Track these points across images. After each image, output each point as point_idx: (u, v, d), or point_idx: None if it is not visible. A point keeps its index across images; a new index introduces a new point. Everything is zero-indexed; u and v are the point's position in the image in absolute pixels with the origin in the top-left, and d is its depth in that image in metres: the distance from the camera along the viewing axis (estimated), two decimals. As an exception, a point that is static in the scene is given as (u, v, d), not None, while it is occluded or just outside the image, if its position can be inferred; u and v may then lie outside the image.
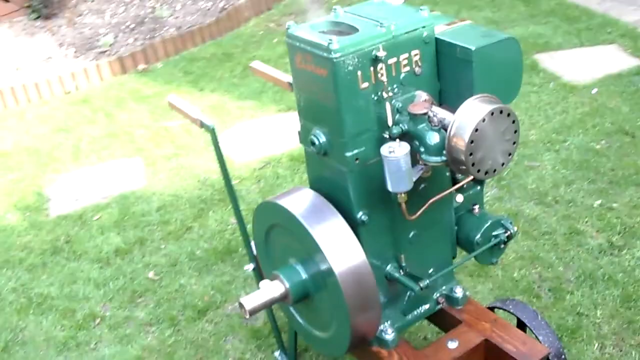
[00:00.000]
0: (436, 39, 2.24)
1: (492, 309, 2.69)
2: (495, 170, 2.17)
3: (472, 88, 2.21)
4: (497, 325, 2.53)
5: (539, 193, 3.78)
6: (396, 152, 2.13)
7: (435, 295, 2.61)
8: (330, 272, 2.22)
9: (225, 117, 5.19)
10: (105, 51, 6.23)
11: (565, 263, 3.32)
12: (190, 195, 4.32)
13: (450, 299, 2.63)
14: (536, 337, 2.52)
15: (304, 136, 2.37)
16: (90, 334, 3.48)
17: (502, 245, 2.59)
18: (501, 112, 2.09)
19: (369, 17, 2.23)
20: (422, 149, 2.19)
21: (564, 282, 3.23)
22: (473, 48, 2.17)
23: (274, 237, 2.51)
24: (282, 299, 2.39)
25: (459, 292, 2.62)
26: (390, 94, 2.21)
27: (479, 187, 2.65)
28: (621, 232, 3.44)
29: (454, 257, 2.65)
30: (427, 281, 2.40)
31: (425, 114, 2.17)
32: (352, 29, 2.20)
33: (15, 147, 5.27)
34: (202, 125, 2.59)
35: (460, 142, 2.07)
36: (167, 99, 2.81)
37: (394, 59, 2.19)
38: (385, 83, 2.18)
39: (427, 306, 2.60)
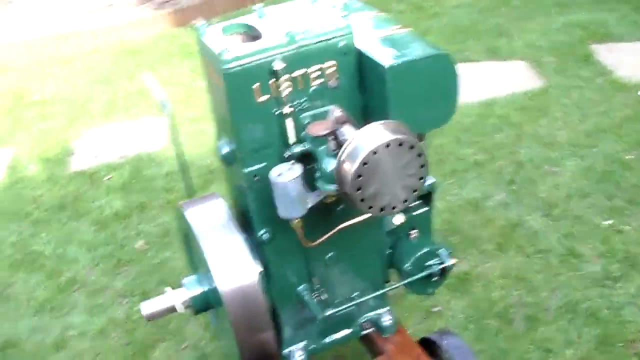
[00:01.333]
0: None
1: (426, 340, 2.47)
2: (394, 208, 1.93)
3: (387, 109, 1.97)
4: None
5: (548, 203, 3.45)
6: (284, 176, 1.93)
7: (361, 320, 2.42)
8: (217, 290, 2.09)
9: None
10: (167, 1, 6.17)
11: (552, 289, 3.02)
12: (200, 164, 4.22)
13: (377, 325, 2.43)
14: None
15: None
16: (67, 299, 3.48)
17: (437, 278, 2.35)
18: (401, 144, 1.84)
19: (282, 21, 2.01)
20: (318, 174, 1.98)
21: (543, 310, 2.94)
22: (386, 65, 1.91)
23: (190, 241, 2.38)
24: (185, 308, 2.27)
25: (386, 320, 2.42)
26: (294, 109, 1.99)
27: (427, 208, 2.41)
28: (622, 261, 3.08)
29: (387, 282, 2.44)
30: (332, 310, 2.22)
31: (325, 135, 1.95)
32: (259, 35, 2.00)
33: (53, 95, 5.32)
34: (162, 107, 2.45)
35: (347, 176, 1.84)
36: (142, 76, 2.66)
37: (302, 71, 1.96)
38: (285, 98, 1.96)
39: (348, 331, 2.42)
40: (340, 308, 2.27)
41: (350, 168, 1.82)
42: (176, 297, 2.23)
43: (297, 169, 1.93)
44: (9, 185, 4.38)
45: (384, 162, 1.83)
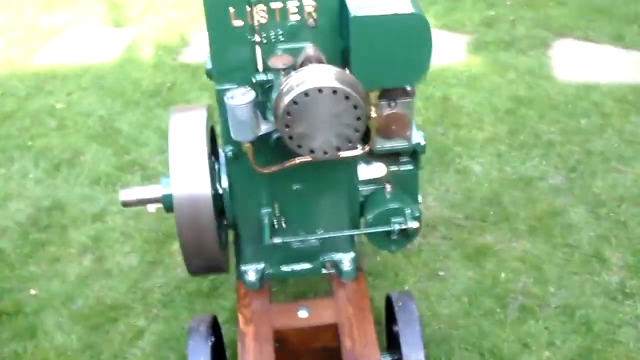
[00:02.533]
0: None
1: (388, 297, 2.56)
2: (326, 152, 2.02)
3: (350, 57, 2.04)
4: (359, 315, 2.41)
5: (598, 200, 3.33)
6: (235, 99, 2.05)
7: (323, 258, 2.54)
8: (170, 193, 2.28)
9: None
10: None
11: (560, 286, 2.97)
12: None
13: (337, 268, 2.54)
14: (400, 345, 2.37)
15: None
16: (122, 177, 3.79)
17: (400, 237, 2.41)
18: (335, 92, 1.91)
19: None
20: (268, 105, 2.10)
21: (541, 305, 2.91)
22: (352, 15, 1.96)
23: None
24: (157, 202, 2.47)
25: (346, 265, 2.52)
26: (269, 40, 2.09)
27: (410, 167, 2.46)
28: (644, 280, 2.97)
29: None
30: (280, 240, 2.35)
31: (281, 69, 2.05)
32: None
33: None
34: None
35: (278, 112, 1.96)
36: None
37: (279, 4, 2.05)
38: (257, 26, 2.07)
39: (308, 265, 2.53)
40: (290, 239, 2.39)
41: (281, 104, 1.93)
42: (152, 192, 2.45)
43: (249, 95, 2.04)
44: (118, 63, 4.77)
45: (315, 106, 1.91)
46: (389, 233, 2.38)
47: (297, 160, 2.15)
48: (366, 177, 2.42)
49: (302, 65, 2.06)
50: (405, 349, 2.31)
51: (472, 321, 2.83)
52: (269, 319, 2.40)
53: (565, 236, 3.14)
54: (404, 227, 2.35)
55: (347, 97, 1.90)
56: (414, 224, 2.35)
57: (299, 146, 1.98)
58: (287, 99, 1.90)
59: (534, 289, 2.94)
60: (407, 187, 2.47)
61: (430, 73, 3.99)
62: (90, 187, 3.72)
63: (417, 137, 2.36)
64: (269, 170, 2.19)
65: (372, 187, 2.45)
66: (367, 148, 2.21)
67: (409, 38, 1.97)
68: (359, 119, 1.94)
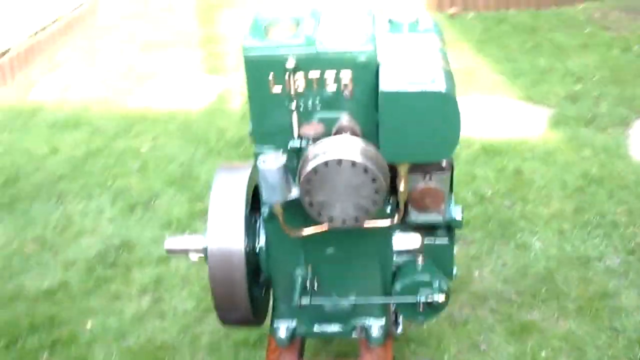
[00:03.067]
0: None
1: None
2: (345, 222, 2.12)
3: (375, 130, 2.14)
4: None
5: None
6: (266, 163, 2.18)
7: (354, 322, 2.61)
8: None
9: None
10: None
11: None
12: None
13: (366, 333, 2.61)
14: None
15: None
16: (192, 224, 4.01)
17: (427, 308, 2.47)
18: (354, 165, 2.02)
19: (321, 23, 2.21)
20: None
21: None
22: (381, 89, 2.08)
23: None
24: (198, 252, 2.62)
25: (374, 331, 2.58)
26: (306, 107, 2.21)
27: (445, 241, 2.53)
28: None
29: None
30: (308, 301, 2.45)
31: (311, 137, 2.18)
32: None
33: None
34: None
35: (300, 178, 2.08)
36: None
37: (317, 74, 2.17)
38: (295, 94, 2.20)
39: (339, 328, 2.60)
40: (319, 301, 2.49)
41: (303, 172, 2.05)
42: (193, 242, 2.60)
43: (280, 160, 2.17)
44: (207, 111, 5.02)
45: (334, 176, 2.02)
46: (414, 305, 2.43)
47: (326, 227, 2.25)
48: (401, 247, 2.49)
49: (335, 134, 2.18)
50: None
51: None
52: (293, 381, 2.48)
53: (612, 319, 3.10)
54: (429, 300, 2.40)
55: (365, 171, 1.99)
56: (439, 297, 2.40)
57: (319, 214, 2.09)
58: (308, 168, 2.02)
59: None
60: (441, 260, 2.52)
61: (507, 144, 4.06)
62: (160, 231, 3.91)
63: (454, 211, 2.42)
64: (299, 234, 2.30)
65: (405, 257, 2.51)
66: (395, 220, 2.30)
67: (437, 115, 2.05)
68: (376, 192, 2.03)
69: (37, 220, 4.08)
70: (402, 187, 2.23)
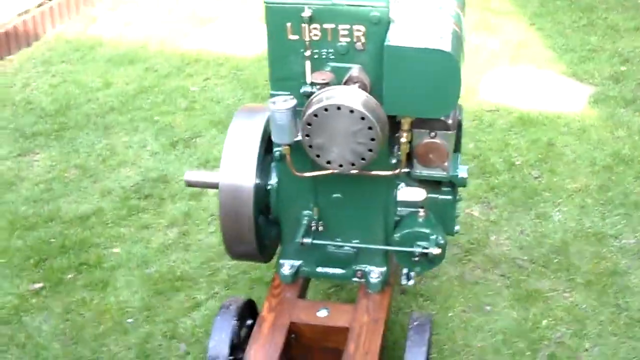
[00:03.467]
0: (390, 22, 2.23)
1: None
2: (341, 165, 2.26)
3: (382, 84, 2.27)
4: (371, 325, 2.61)
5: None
6: (276, 105, 2.34)
7: (356, 267, 2.76)
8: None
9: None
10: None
11: (596, 344, 3.02)
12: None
13: (366, 278, 2.76)
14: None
15: None
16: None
17: (420, 259, 2.60)
18: (352, 111, 2.16)
19: None
20: (305, 114, 2.36)
21: (571, 359, 3.00)
22: (386, 43, 2.20)
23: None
24: (214, 187, 2.79)
25: (373, 277, 2.72)
26: (319, 56, 2.35)
27: (449, 197, 2.65)
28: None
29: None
30: (310, 241, 2.61)
31: (318, 84, 2.31)
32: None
33: None
34: None
35: (302, 120, 2.23)
36: None
37: (331, 25, 2.30)
38: (310, 43, 2.34)
39: (340, 271, 2.75)
40: (321, 242, 2.64)
41: (305, 115, 2.20)
42: (210, 177, 2.77)
43: (290, 103, 2.31)
44: (260, 58, 5.11)
45: (333, 121, 2.16)
46: (409, 254, 2.57)
47: (331, 170, 2.39)
48: (405, 199, 2.62)
49: (345, 84, 2.32)
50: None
51: (499, 358, 2.95)
52: (290, 312, 2.65)
53: (618, 297, 3.18)
54: (425, 251, 2.53)
55: (362, 118, 2.13)
56: (435, 250, 2.53)
57: (317, 156, 2.23)
58: (309, 111, 2.16)
59: (569, 341, 3.00)
60: (443, 215, 2.65)
61: (544, 117, 4.12)
62: (197, 168, 4.11)
63: (460, 170, 2.54)
64: (304, 175, 2.45)
65: (409, 209, 2.64)
66: (397, 171, 2.43)
67: (437, 73, 2.16)
68: (372, 139, 2.16)
69: (81, 148, 4.32)
70: (403, 139, 2.35)
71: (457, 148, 2.66)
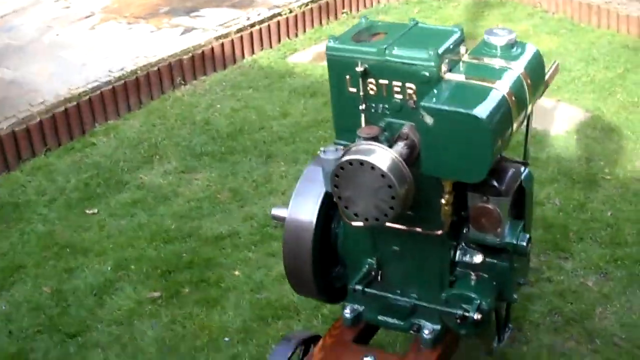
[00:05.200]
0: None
1: None
2: (367, 220, 2.48)
3: (420, 144, 2.49)
4: None
5: None
6: (326, 154, 2.62)
7: (413, 320, 2.95)
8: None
9: None
10: None
11: None
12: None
13: (420, 333, 2.94)
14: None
15: None
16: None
17: (461, 323, 2.75)
18: (373, 168, 2.38)
19: (401, 36, 2.55)
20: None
21: None
22: (423, 103, 2.41)
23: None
24: None
25: (425, 333, 2.89)
26: (375, 110, 2.60)
27: (506, 265, 2.78)
28: None
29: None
30: (360, 288, 2.85)
31: (365, 138, 2.56)
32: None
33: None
34: None
35: (332, 171, 2.49)
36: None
37: (385, 81, 2.53)
38: (365, 96, 2.61)
39: (399, 322, 2.90)
40: (373, 292, 2.87)
41: (335, 166, 2.46)
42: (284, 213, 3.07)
43: (338, 153, 2.59)
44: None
45: (357, 176, 2.37)
46: (452, 315, 2.72)
47: (389, 224, 2.58)
48: (461, 260, 2.79)
49: (396, 141, 2.55)
50: None
51: None
52: (338, 354, 2.88)
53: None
54: (465, 314, 2.68)
55: (382, 176, 2.34)
56: (476, 315, 2.66)
57: (346, 207, 2.47)
58: (338, 163, 2.42)
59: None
60: (500, 281, 2.77)
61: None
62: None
63: (518, 237, 2.65)
64: (353, 223, 2.69)
65: (465, 271, 2.80)
66: (439, 232, 2.62)
67: (467, 137, 2.31)
68: (393, 198, 2.36)
69: (240, 173, 4.81)
70: (444, 200, 2.53)
71: (520, 215, 2.75)
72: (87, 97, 5.38)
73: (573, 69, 5.73)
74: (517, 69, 2.53)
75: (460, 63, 2.53)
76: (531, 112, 2.66)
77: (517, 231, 2.67)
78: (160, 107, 5.65)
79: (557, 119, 5.11)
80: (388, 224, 2.53)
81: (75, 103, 5.31)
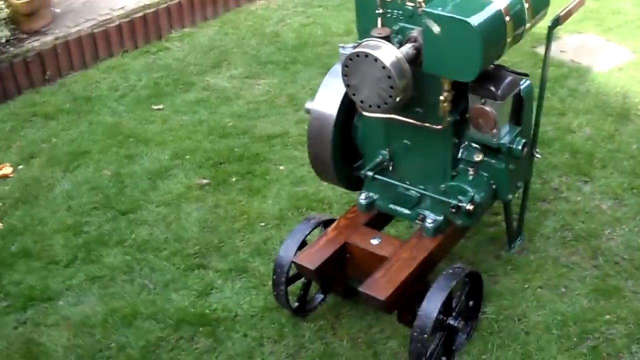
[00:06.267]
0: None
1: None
2: (370, 106, 2.92)
3: (423, 46, 2.90)
4: (406, 261, 3.15)
5: None
6: (344, 49, 3.06)
7: (419, 210, 3.39)
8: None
9: None
10: None
11: None
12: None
13: (423, 222, 3.39)
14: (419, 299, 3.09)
15: None
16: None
17: (455, 211, 3.19)
18: (375, 60, 2.82)
19: None
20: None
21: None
22: (425, 9, 2.81)
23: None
24: None
25: (427, 222, 3.31)
26: (390, 15, 3.01)
27: (502, 165, 3.18)
28: None
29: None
30: (371, 174, 3.30)
31: (377, 37, 2.98)
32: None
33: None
34: None
35: (343, 62, 2.94)
36: None
37: (401, -10, 2.97)
38: (380, 2, 3.01)
39: (407, 211, 3.33)
40: (382, 178, 3.31)
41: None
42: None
43: (352, 49, 3.04)
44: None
45: (363, 67, 2.79)
46: (446, 204, 3.14)
47: (394, 116, 3.04)
48: (463, 157, 3.20)
49: (406, 42, 2.97)
50: (424, 304, 3.03)
51: (545, 335, 3.38)
52: (349, 234, 3.32)
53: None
54: (459, 204, 3.11)
55: (383, 67, 2.77)
56: (468, 206, 3.09)
57: (353, 94, 2.91)
58: (347, 54, 2.87)
59: (619, 341, 3.29)
60: (497, 180, 3.18)
61: None
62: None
63: (515, 141, 3.05)
64: (369, 114, 3.12)
65: (465, 167, 3.22)
66: (438, 126, 3.04)
67: (462, 40, 2.72)
68: (391, 87, 2.79)
69: (299, 81, 5.27)
70: (442, 97, 2.95)
71: (518, 122, 3.15)
72: (166, 4, 5.88)
73: (629, 12, 5.96)
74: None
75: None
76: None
77: (514, 135, 3.05)
78: (235, 18, 6.15)
79: (603, 57, 5.41)
80: (398, 117, 3.00)
81: (154, 10, 5.81)
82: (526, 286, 3.59)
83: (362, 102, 2.86)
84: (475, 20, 2.67)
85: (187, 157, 4.54)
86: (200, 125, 4.83)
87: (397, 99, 2.79)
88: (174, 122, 4.90)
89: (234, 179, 4.36)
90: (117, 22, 5.67)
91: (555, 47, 4.98)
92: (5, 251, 3.96)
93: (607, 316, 3.42)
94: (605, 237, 3.86)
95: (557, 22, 3.25)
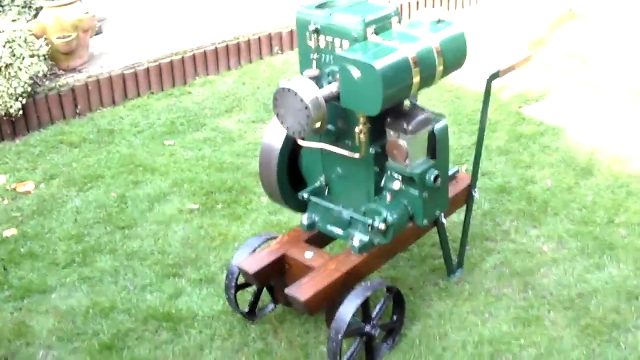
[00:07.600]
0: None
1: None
2: (294, 133, 3.59)
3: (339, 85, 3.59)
4: (328, 273, 3.74)
5: None
6: (281, 84, 3.81)
7: (351, 230, 3.98)
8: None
9: None
10: None
11: None
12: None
13: (351, 241, 4.01)
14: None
15: None
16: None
17: (374, 231, 3.82)
18: (295, 94, 3.50)
19: (346, 6, 3.60)
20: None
21: None
22: (337, 53, 3.52)
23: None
24: None
25: (354, 241, 3.91)
26: (322, 60, 3.68)
27: (417, 193, 3.82)
28: None
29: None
30: (306, 196, 3.99)
31: (309, 77, 3.68)
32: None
33: None
34: None
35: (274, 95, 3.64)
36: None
37: (330, 38, 3.63)
38: (315, 48, 3.71)
39: (340, 231, 3.94)
40: (318, 201, 3.97)
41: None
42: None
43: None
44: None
45: (288, 99, 3.45)
46: (367, 226, 3.77)
47: (320, 145, 3.73)
48: (385, 185, 3.85)
49: (333, 82, 3.67)
50: (340, 308, 3.62)
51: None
52: (289, 247, 3.97)
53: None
54: (373, 223, 3.75)
55: (301, 100, 3.47)
56: (381, 225, 3.72)
57: (282, 122, 3.61)
58: (277, 89, 3.58)
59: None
60: (413, 207, 3.79)
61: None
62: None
63: (427, 173, 3.66)
64: (302, 143, 3.82)
65: (385, 193, 3.87)
66: (357, 155, 3.71)
67: (367, 80, 3.33)
68: (307, 117, 3.47)
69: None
70: (357, 129, 3.62)
71: (433, 156, 3.77)
72: (192, 53, 6.73)
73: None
74: (431, 40, 3.56)
75: (390, 30, 3.57)
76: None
77: (427, 167, 3.67)
78: (254, 69, 6.97)
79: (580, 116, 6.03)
80: (328, 147, 3.69)
81: (180, 57, 6.67)
82: (454, 310, 4.15)
83: (287, 128, 3.54)
84: (379, 64, 3.30)
85: (185, 185, 5.29)
86: (202, 160, 5.58)
87: (314, 127, 3.45)
88: (180, 156, 5.67)
89: (220, 206, 5.07)
90: (145, 66, 6.51)
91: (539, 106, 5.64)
92: (15, 252, 4.73)
93: (522, 340, 3.94)
94: (540, 274, 4.39)
95: (497, 75, 3.86)
